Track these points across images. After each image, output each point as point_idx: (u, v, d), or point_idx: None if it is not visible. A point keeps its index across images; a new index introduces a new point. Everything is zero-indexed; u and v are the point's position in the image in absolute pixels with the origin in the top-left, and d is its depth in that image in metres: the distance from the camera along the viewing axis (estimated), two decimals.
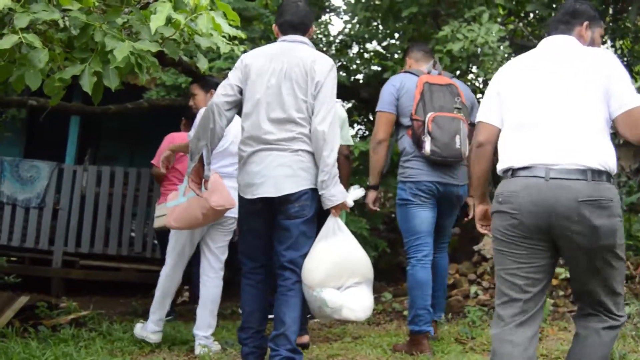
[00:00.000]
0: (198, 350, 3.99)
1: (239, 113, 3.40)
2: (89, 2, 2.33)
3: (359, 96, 6.81)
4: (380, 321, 5.18)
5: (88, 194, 7.92)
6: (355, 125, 8.49)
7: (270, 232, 3.31)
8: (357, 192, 3.42)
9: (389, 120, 4.03)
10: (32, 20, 2.06)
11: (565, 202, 2.36)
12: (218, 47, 2.97)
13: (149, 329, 4.21)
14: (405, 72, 4.17)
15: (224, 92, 3.29)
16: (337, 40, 6.91)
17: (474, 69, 5.95)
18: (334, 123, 3.21)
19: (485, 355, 3.79)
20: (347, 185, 3.78)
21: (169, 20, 2.23)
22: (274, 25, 3.50)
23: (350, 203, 3.33)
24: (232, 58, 6.38)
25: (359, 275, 3.25)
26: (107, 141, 10.18)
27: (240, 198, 3.35)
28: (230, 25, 3.08)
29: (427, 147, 3.83)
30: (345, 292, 3.20)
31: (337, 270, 3.19)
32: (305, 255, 3.22)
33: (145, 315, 5.35)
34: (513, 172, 2.52)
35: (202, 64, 2.87)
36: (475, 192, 2.86)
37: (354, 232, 5.29)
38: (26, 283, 7.94)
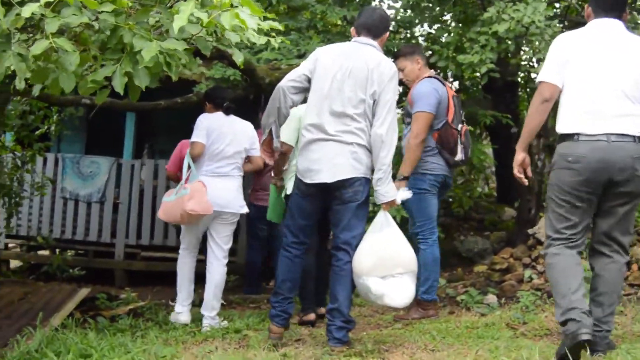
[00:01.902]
0: (204, 329, 4.49)
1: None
2: (123, 2, 2.39)
3: None
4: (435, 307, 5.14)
5: (146, 188, 8.14)
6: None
7: (317, 216, 3.76)
8: (405, 193, 3.82)
9: (431, 121, 4.43)
10: (62, 25, 2.13)
11: (623, 159, 3.11)
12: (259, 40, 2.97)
13: (176, 310, 4.73)
14: (434, 77, 4.58)
15: (291, 78, 3.65)
16: None
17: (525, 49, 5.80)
18: (393, 126, 3.55)
19: (536, 340, 3.73)
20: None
21: (197, 19, 2.27)
22: (351, 28, 3.81)
23: (399, 201, 3.72)
24: (279, 49, 6.45)
25: (402, 267, 3.61)
26: (163, 135, 10.38)
27: (297, 180, 3.72)
28: (266, 18, 3.13)
29: (460, 155, 4.54)
30: (389, 281, 3.57)
31: (382, 262, 3.56)
32: (358, 236, 3.59)
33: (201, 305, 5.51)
34: (579, 136, 3.17)
35: (238, 57, 2.91)
36: (524, 143, 3.41)
37: (403, 218, 5.40)
38: (91, 275, 8.28)
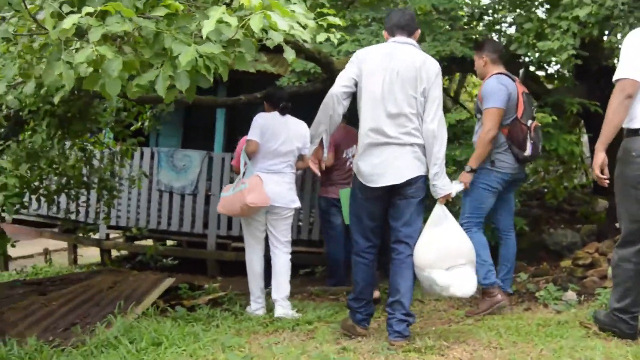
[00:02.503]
0: (279, 312, 4.76)
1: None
2: (176, 5, 2.50)
3: None
4: (510, 302, 5.02)
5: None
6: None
7: (384, 216, 3.78)
8: (458, 185, 3.99)
9: (501, 117, 4.48)
10: (107, 32, 2.25)
11: None
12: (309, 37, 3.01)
13: (251, 308, 4.94)
14: (502, 74, 4.59)
15: (342, 84, 3.69)
16: (465, 14, 6.70)
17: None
18: (442, 121, 3.64)
19: (608, 341, 3.57)
20: None
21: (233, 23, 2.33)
22: (383, 31, 3.88)
23: (454, 194, 3.83)
24: (359, 41, 6.46)
25: (463, 258, 3.72)
26: None
27: (360, 184, 3.73)
28: (323, 14, 3.21)
29: (529, 150, 4.56)
30: (453, 272, 3.67)
31: (444, 254, 3.67)
32: (418, 230, 3.70)
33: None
34: None
35: (289, 55, 2.96)
36: (605, 142, 3.46)
37: None
38: (185, 264, 8.65)
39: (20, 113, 4.62)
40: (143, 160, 8.73)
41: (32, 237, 9.51)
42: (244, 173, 4.94)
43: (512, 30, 7.03)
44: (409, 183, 3.61)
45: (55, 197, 6.74)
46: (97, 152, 7.20)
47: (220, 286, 5.98)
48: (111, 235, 9.26)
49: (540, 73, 7.51)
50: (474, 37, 6.42)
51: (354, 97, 3.79)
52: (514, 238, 4.91)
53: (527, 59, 6.47)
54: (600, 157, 3.50)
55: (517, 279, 5.70)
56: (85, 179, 6.65)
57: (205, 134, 9.47)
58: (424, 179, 3.68)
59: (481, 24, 6.91)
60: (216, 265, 8.43)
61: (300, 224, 8.49)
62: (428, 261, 3.65)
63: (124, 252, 9.67)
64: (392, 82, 3.59)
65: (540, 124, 4.74)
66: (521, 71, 4.90)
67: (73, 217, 8.67)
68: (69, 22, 2.17)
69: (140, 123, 7.71)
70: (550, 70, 7.41)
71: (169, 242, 9.70)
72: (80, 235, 8.04)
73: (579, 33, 5.15)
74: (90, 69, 2.38)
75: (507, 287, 4.81)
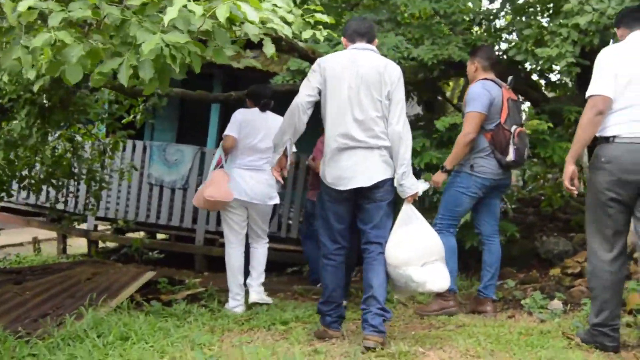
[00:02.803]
0: (253, 298, 4.92)
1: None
2: None
3: None
4: (495, 309, 4.94)
5: None
6: None
7: (350, 218, 3.81)
8: (424, 184, 3.90)
9: (481, 121, 4.51)
10: (69, 19, 2.17)
11: None
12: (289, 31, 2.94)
13: (230, 305, 4.83)
14: (489, 79, 4.62)
15: (307, 93, 3.71)
16: (463, 19, 6.60)
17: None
18: (406, 122, 3.70)
19: (590, 353, 3.48)
20: None
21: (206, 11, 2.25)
22: (342, 38, 3.89)
23: (420, 193, 3.82)
24: None
25: (435, 254, 3.81)
26: None
27: (328, 188, 3.76)
28: (314, 11, 3.18)
29: (512, 155, 4.52)
30: (427, 268, 3.76)
31: (419, 252, 3.75)
32: (388, 231, 3.73)
33: (272, 293, 5.56)
34: (615, 138, 3.42)
35: (268, 50, 2.89)
36: (574, 156, 3.58)
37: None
38: (172, 259, 8.58)
39: (0, 100, 4.54)
40: (135, 153, 8.68)
41: (20, 225, 9.44)
42: (217, 168, 4.98)
43: (513, 36, 6.97)
44: (377, 186, 3.66)
45: (43, 186, 6.72)
46: (87, 143, 7.14)
47: (203, 282, 5.91)
48: (100, 227, 9.18)
49: (545, 82, 7.47)
50: (473, 42, 6.32)
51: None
52: (498, 243, 4.88)
53: (528, 66, 6.40)
54: (570, 169, 3.58)
55: (505, 285, 5.62)
56: (73, 169, 6.59)
57: (200, 129, 9.40)
58: (391, 182, 3.72)
59: (481, 29, 6.80)
60: (204, 260, 8.37)
61: (290, 222, 8.42)
62: (403, 259, 3.71)
63: (111, 244, 9.58)
64: (358, 87, 3.64)
65: (526, 131, 4.75)
66: (510, 78, 4.82)
67: (61, 207, 8.61)
68: (24, 5, 2.09)
69: (132, 116, 7.62)
70: (554, 78, 7.35)
71: (159, 236, 9.63)
72: (65, 225, 7.94)
73: (580, 41, 5.06)
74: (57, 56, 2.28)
75: (490, 294, 4.75)
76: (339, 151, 3.68)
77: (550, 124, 5.85)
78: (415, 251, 3.72)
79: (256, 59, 8.24)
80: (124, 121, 7.53)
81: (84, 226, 8.98)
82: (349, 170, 3.66)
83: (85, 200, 8.02)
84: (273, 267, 7.98)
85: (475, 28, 7.08)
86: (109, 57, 2.37)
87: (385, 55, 6.18)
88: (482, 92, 4.53)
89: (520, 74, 6.50)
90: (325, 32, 3.35)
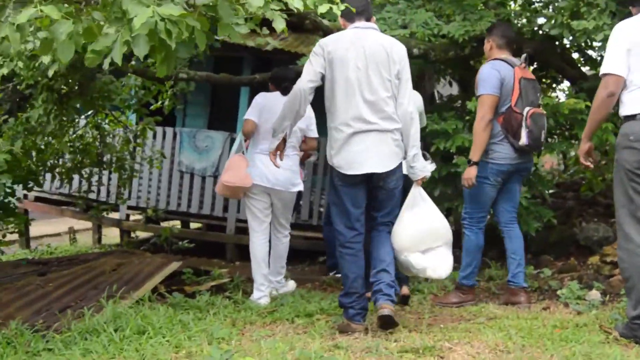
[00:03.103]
0: (272, 292, 4.80)
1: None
2: None
3: (520, 52, 6.14)
4: (528, 299, 4.70)
5: None
6: None
7: (365, 202, 3.70)
8: (432, 165, 3.83)
9: (494, 103, 4.30)
10: None
11: None
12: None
13: (254, 297, 4.68)
14: (500, 59, 4.40)
15: (309, 79, 3.56)
16: None
17: None
18: (414, 102, 3.69)
19: (629, 348, 3.25)
20: None
21: None
22: (340, 18, 3.71)
23: (429, 175, 3.79)
24: (385, 19, 6.14)
25: (440, 240, 3.80)
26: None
27: (340, 174, 3.63)
28: None
29: (525, 139, 4.26)
30: (429, 254, 3.75)
31: (422, 236, 3.74)
32: (396, 215, 3.73)
33: (300, 283, 5.43)
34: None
35: (279, 24, 2.74)
36: (589, 134, 3.59)
37: None
38: (204, 248, 8.49)
39: (18, 87, 4.46)
40: (165, 140, 8.59)
41: (55, 215, 9.47)
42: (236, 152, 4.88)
43: (551, 11, 6.64)
44: (390, 173, 3.59)
45: (74, 175, 6.69)
46: (116, 131, 7.07)
47: (232, 271, 5.78)
48: (132, 216, 9.16)
49: (583, 58, 7.11)
50: (506, 16, 6.03)
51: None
52: (518, 229, 4.68)
53: (565, 41, 6.09)
54: (585, 146, 3.62)
55: (541, 274, 5.38)
56: (102, 158, 6.53)
57: (231, 114, 9.26)
58: (402, 166, 3.68)
59: (517, 2, 6.49)
60: (235, 249, 8.25)
61: (321, 209, 8.25)
62: (404, 245, 3.72)
63: (144, 234, 9.56)
64: (366, 67, 3.53)
65: (542, 111, 4.48)
66: (523, 56, 4.56)
67: (93, 196, 8.61)
68: None
69: (160, 102, 7.54)
70: (593, 54, 6.99)
71: (191, 225, 9.57)
72: (94, 214, 7.91)
73: (618, 13, 4.77)
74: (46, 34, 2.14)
75: (520, 282, 4.55)
76: (351, 135, 3.56)
77: (589, 103, 5.54)
78: (418, 236, 3.71)
79: (284, 41, 8.08)
80: (152, 107, 7.46)
81: (116, 215, 8.96)
82: (362, 154, 3.55)
83: (117, 190, 7.96)
84: (304, 255, 7.87)
85: (510, 2, 6.76)
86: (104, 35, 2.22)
87: (415, 33, 6.00)
88: (491, 72, 4.34)
89: (556, 50, 6.20)
90: (342, 6, 3.15)
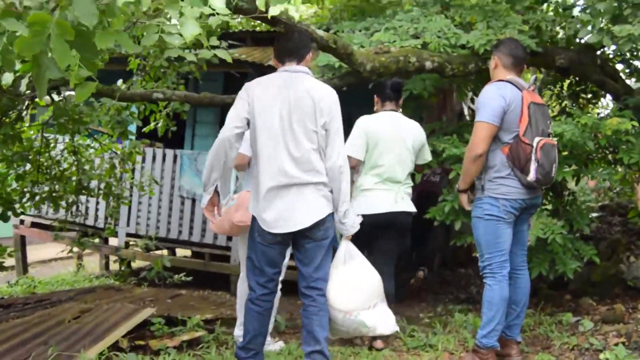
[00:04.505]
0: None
1: None
2: None
3: (553, 64, 5.33)
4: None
5: None
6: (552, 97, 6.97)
7: (282, 261, 3.51)
8: (360, 218, 3.65)
9: (492, 134, 3.71)
10: None
11: None
12: None
13: (236, 333, 4.26)
14: (507, 81, 3.78)
15: (234, 125, 3.28)
16: None
17: None
18: (344, 154, 3.40)
19: None
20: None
21: None
22: (272, 59, 3.58)
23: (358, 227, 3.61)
24: (395, 29, 5.43)
25: (379, 295, 3.82)
26: None
27: (261, 229, 3.35)
28: None
29: (533, 174, 3.69)
30: (375, 310, 3.77)
31: (367, 294, 3.74)
32: (328, 272, 3.46)
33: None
34: None
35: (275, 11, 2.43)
36: None
37: (542, 238, 4.58)
38: (207, 278, 7.81)
39: None
40: (165, 163, 7.97)
41: (50, 241, 8.95)
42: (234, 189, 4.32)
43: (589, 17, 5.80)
44: (317, 225, 3.31)
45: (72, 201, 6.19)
46: (103, 155, 6.46)
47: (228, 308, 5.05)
48: (131, 243, 8.54)
49: (628, 69, 6.24)
50: (535, 23, 5.23)
51: None
52: (527, 277, 4.06)
53: (605, 50, 5.27)
54: None
55: (580, 327, 4.53)
56: (81, 185, 5.91)
57: None
58: (331, 218, 3.41)
59: (549, 7, 5.68)
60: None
61: None
62: (355, 304, 3.68)
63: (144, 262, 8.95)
64: (290, 116, 3.28)
65: (554, 142, 3.82)
66: (533, 77, 3.87)
67: (91, 222, 8.06)
68: None
69: (154, 124, 6.91)
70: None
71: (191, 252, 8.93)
72: (80, 246, 7.28)
73: None
74: None
75: (515, 335, 3.98)
76: (273, 189, 3.29)
77: (635, 122, 4.70)
78: (364, 294, 3.67)
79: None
80: (145, 129, 6.85)
81: (115, 242, 8.36)
82: (286, 211, 3.28)
83: (104, 220, 7.36)
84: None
85: (541, 7, 5.94)
86: None
87: (428, 43, 5.25)
88: (495, 97, 3.73)
89: (596, 60, 5.36)
90: (306, 7, 2.46)
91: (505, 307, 3.81)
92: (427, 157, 4.70)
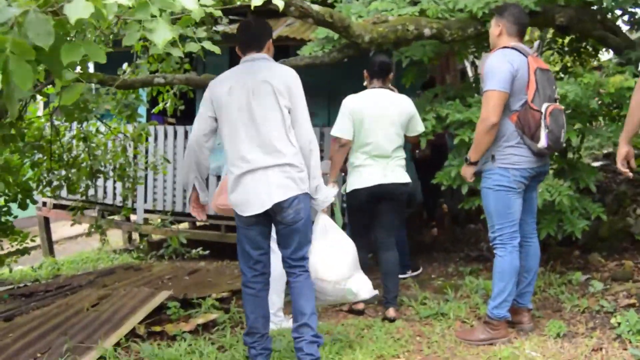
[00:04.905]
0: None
1: None
2: None
3: (553, 22, 5.23)
4: (576, 328, 3.93)
5: None
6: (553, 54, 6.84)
7: (266, 242, 3.53)
8: (334, 190, 3.90)
9: (503, 101, 3.66)
10: None
11: None
12: None
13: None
14: (512, 48, 3.74)
15: (200, 127, 3.45)
16: None
17: None
18: (311, 130, 3.43)
19: None
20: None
21: None
22: (237, 50, 3.58)
23: (333, 199, 3.63)
24: None
25: (357, 263, 3.98)
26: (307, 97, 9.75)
27: (237, 215, 3.46)
28: None
29: (544, 141, 3.66)
30: (356, 277, 3.94)
31: (351, 262, 3.91)
32: (309, 248, 3.53)
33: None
34: None
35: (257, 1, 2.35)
36: (628, 135, 3.38)
37: (550, 200, 4.64)
38: (224, 249, 7.95)
39: None
40: (177, 139, 8.05)
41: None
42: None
43: None
44: (282, 208, 3.35)
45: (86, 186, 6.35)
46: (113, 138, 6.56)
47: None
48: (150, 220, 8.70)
49: (628, 21, 6.09)
50: None
51: None
52: (537, 244, 4.08)
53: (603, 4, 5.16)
54: (623, 150, 3.39)
55: (590, 287, 4.56)
56: (93, 169, 6.05)
57: None
58: (302, 198, 3.40)
59: None
60: None
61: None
62: (342, 273, 3.84)
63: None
64: (249, 103, 3.33)
65: (562, 107, 3.80)
66: (537, 42, 3.81)
67: (110, 201, 8.25)
68: None
69: (163, 104, 7.01)
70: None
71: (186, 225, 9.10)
72: (99, 230, 7.46)
73: None
74: None
75: (526, 302, 4.06)
76: (240, 176, 3.38)
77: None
78: (347, 263, 3.85)
79: (290, 26, 7.36)
80: (154, 110, 6.94)
81: (134, 217, 8.54)
82: (250, 194, 3.36)
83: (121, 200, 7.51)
84: None
85: None
86: None
87: (426, 10, 5.19)
88: (503, 64, 3.67)
89: (596, 16, 5.25)
90: None
91: (516, 277, 3.83)
92: (419, 128, 4.68)
